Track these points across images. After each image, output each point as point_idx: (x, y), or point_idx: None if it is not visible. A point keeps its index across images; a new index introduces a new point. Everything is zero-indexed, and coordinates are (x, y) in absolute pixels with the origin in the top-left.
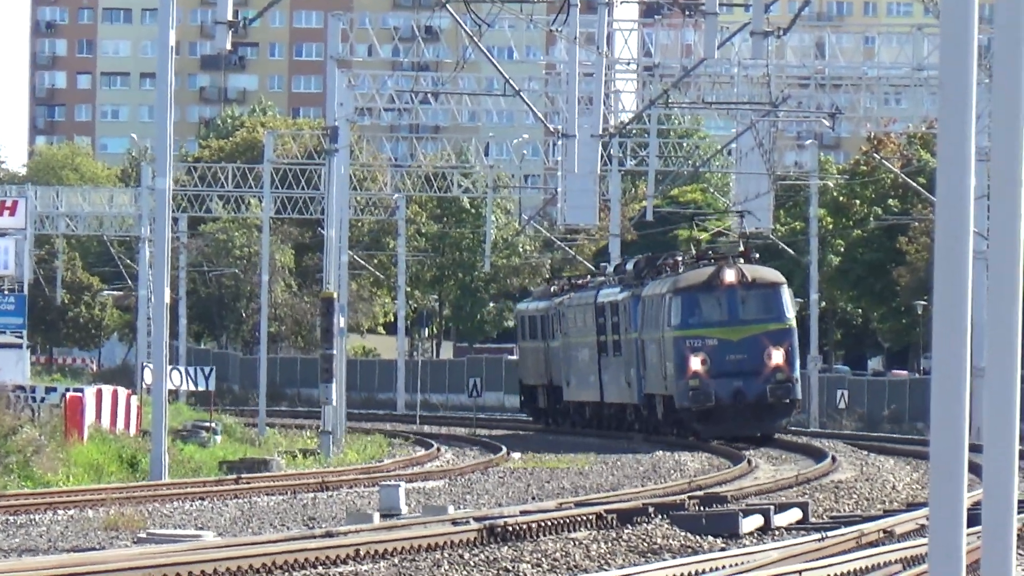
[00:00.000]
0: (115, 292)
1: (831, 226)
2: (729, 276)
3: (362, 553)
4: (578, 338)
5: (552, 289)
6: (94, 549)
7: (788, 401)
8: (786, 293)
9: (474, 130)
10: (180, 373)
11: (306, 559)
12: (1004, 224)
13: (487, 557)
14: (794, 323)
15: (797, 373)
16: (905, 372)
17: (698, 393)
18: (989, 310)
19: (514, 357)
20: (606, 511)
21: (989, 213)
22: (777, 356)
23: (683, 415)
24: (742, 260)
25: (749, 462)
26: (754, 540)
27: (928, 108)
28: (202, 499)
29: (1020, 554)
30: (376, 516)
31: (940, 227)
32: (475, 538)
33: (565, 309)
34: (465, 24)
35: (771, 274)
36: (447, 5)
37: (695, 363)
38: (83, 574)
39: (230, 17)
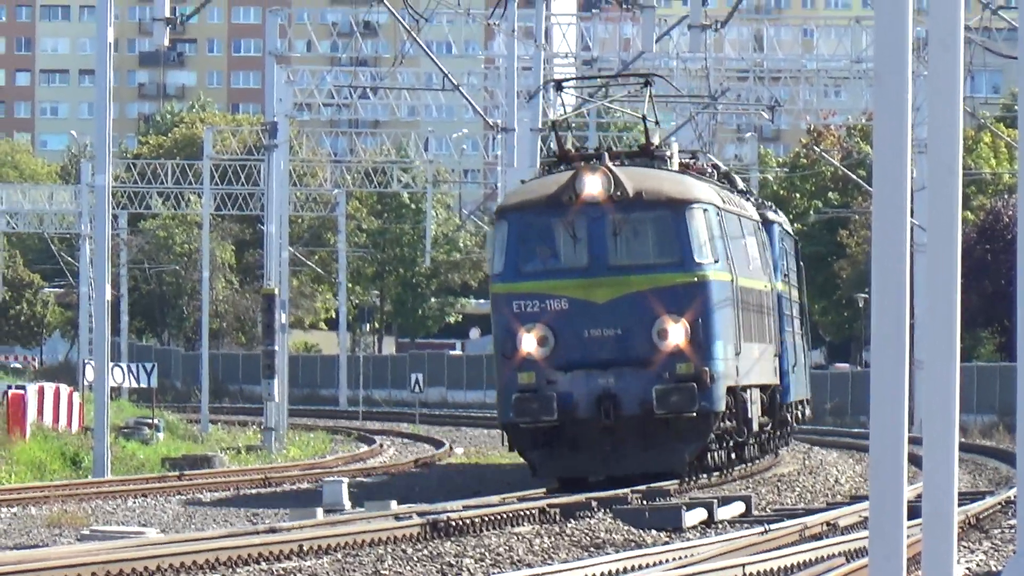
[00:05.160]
0: (56, 289)
1: None
2: (592, 187)
3: (305, 549)
4: None
5: None
6: (37, 546)
7: (696, 415)
8: (701, 221)
9: (414, 125)
10: (122, 370)
11: (249, 555)
12: (942, 216)
13: (430, 552)
14: (718, 273)
15: (719, 363)
16: (847, 365)
17: (529, 400)
18: (928, 303)
19: (456, 352)
20: (549, 505)
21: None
22: (676, 332)
23: (510, 434)
24: (658, 163)
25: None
26: (697, 534)
27: (867, 100)
28: (145, 496)
29: (961, 547)
30: (319, 512)
31: (878, 220)
32: (418, 533)
33: None
34: (403, 19)
35: (673, 184)
36: (384, 1)
37: (527, 343)
38: (26, 571)
39: (168, 14)
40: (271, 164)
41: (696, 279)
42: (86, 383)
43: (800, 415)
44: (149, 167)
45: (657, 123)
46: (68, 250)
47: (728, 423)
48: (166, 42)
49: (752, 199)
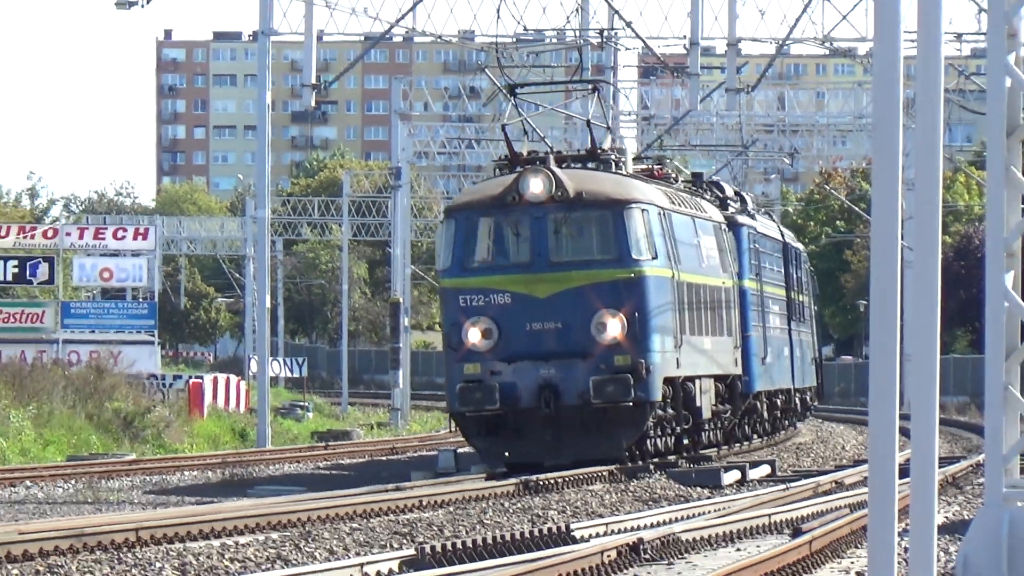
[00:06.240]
0: (227, 299)
1: None
2: (535, 188)
3: (424, 503)
4: None
5: None
6: (213, 502)
7: (632, 404)
8: (639, 220)
9: None
10: (279, 363)
11: (380, 508)
12: (926, 240)
13: (523, 506)
14: (657, 270)
15: (656, 355)
16: (851, 357)
17: (475, 388)
18: (914, 308)
19: None
20: (617, 469)
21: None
22: (613, 326)
23: (457, 422)
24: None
25: None
26: (733, 490)
27: (867, 148)
28: (298, 462)
29: (941, 500)
30: (435, 475)
31: (875, 242)
32: (513, 491)
33: None
34: (500, 85)
35: (614, 186)
36: (486, 70)
37: (472, 335)
38: (204, 522)
39: (314, 81)
40: (396, 200)
41: (633, 275)
42: (251, 373)
43: (779, 403)
44: (300, 203)
45: (609, 128)
46: (236, 268)
47: (669, 411)
48: (313, 103)
49: (734, 203)
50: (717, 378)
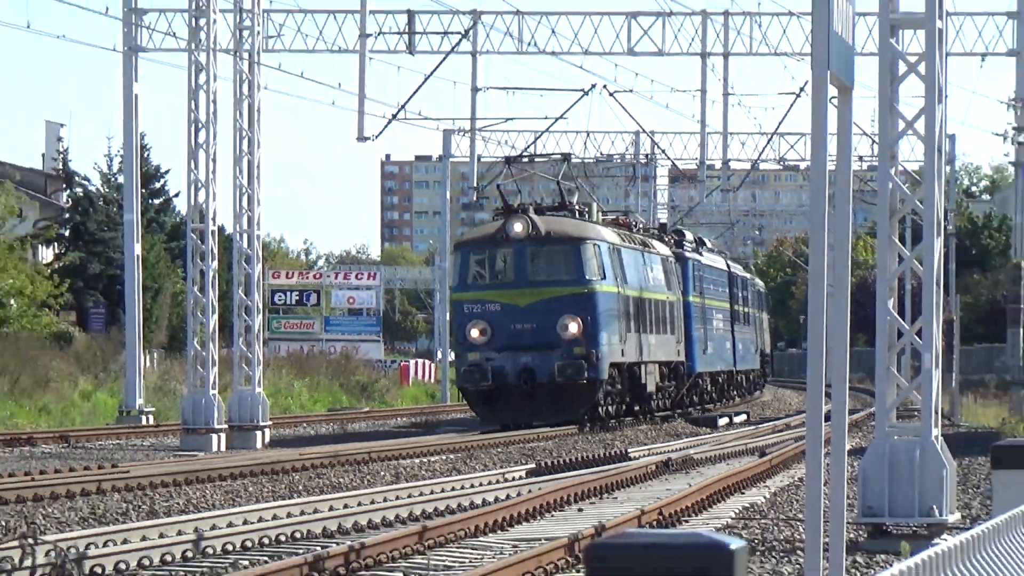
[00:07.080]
0: (423, 315)
1: None
2: (517, 228)
3: (540, 437)
4: None
5: None
6: (416, 435)
7: (585, 382)
8: (591, 251)
9: None
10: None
11: (513, 440)
12: (840, 280)
13: (599, 439)
14: (605, 287)
15: (604, 347)
16: (795, 349)
17: (474, 370)
18: (833, 320)
19: None
20: (654, 416)
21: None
22: (573, 326)
23: (463, 395)
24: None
25: None
26: (724, 429)
27: (806, 225)
28: (465, 413)
29: (849, 435)
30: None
31: (811, 281)
32: (590, 429)
33: None
34: (585, 186)
35: (573, 227)
36: (578, 181)
37: (474, 333)
38: (411, 447)
39: (475, 184)
40: None
41: (587, 290)
42: (438, 359)
43: (721, 380)
44: None
45: (579, 187)
46: (428, 296)
47: (617, 387)
48: (475, 198)
49: (690, 244)
50: (663, 363)
